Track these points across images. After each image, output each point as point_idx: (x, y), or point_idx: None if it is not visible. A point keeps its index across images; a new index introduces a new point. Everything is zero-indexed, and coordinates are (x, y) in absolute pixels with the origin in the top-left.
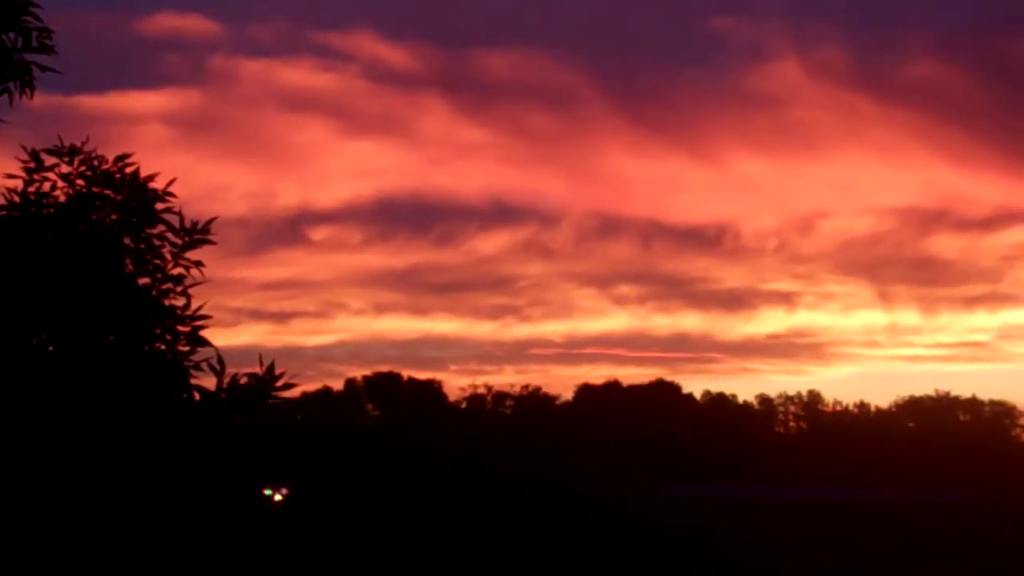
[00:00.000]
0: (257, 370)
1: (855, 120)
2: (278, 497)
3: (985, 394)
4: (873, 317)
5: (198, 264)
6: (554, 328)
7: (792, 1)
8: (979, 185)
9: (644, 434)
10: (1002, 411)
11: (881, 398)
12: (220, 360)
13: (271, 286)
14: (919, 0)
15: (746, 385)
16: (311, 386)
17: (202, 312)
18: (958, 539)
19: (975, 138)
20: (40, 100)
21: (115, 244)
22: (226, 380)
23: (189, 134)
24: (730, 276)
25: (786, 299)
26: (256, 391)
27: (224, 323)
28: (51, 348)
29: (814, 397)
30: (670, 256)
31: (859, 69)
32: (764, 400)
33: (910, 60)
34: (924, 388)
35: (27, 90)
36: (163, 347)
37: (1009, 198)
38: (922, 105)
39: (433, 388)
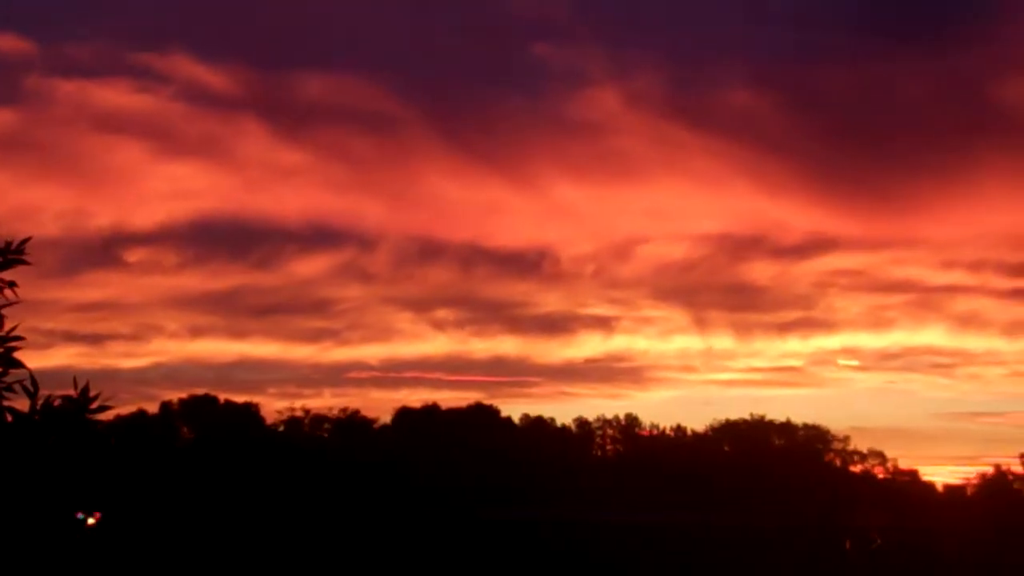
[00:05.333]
0: (71, 392)
1: (671, 148)
2: (91, 521)
3: (799, 418)
4: (689, 342)
5: (11, 285)
6: (372, 351)
7: (611, 29)
8: (792, 213)
9: (462, 457)
10: (815, 435)
11: (697, 421)
12: (33, 382)
13: (85, 308)
14: (736, 30)
15: (564, 409)
16: (126, 409)
17: (15, 333)
18: (772, 560)
19: (788, 167)
20: None
21: None
22: (40, 402)
23: (1, 154)
24: (548, 301)
25: (604, 324)
26: (70, 413)
27: (37, 345)
28: None
29: (631, 420)
30: (489, 280)
31: (676, 98)
32: (582, 423)
33: (726, 90)
34: (739, 412)
35: None
36: None
37: (821, 225)
38: (737, 134)
39: (250, 411)
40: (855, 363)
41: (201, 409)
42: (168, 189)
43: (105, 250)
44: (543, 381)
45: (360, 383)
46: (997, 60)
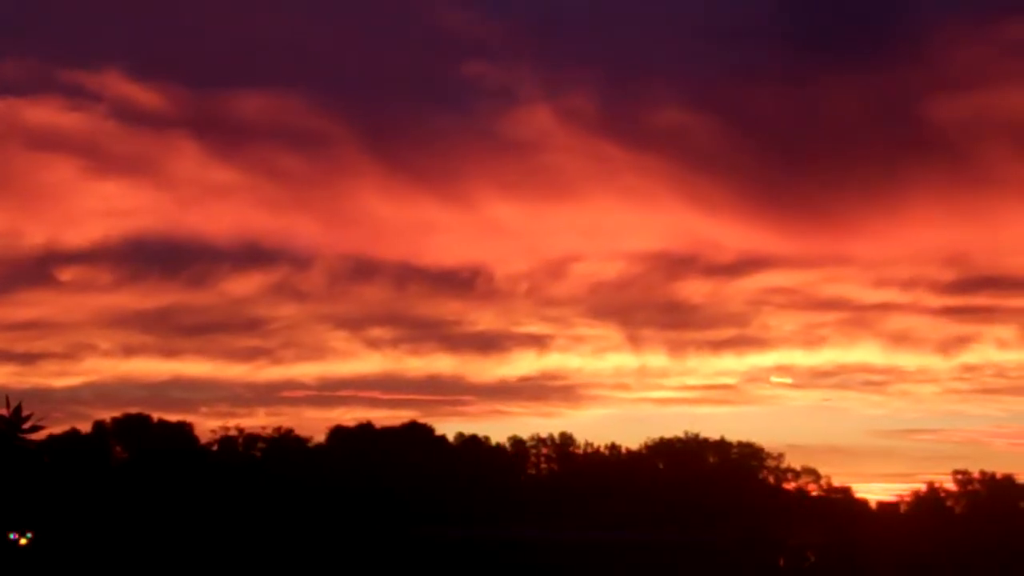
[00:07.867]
0: (3, 411)
1: (605, 165)
2: (24, 540)
3: (733, 436)
4: (623, 360)
5: None
6: (306, 370)
7: (543, 47)
8: (726, 231)
9: (397, 475)
10: (749, 452)
11: (632, 439)
12: None
13: (17, 327)
14: (669, 49)
15: (499, 427)
16: (59, 428)
17: None
18: None
19: (721, 185)
20: None
21: None
22: None
23: None
24: (483, 319)
25: (538, 342)
26: (2, 432)
27: None
28: None
29: (566, 439)
30: (423, 299)
31: (609, 115)
32: (516, 442)
33: (659, 108)
34: (674, 430)
35: None
36: None
37: (754, 244)
38: (671, 152)
39: (184, 430)
40: (789, 381)
41: (134, 428)
42: (101, 207)
43: (37, 268)
44: (477, 399)
45: (294, 402)
46: (928, 81)
